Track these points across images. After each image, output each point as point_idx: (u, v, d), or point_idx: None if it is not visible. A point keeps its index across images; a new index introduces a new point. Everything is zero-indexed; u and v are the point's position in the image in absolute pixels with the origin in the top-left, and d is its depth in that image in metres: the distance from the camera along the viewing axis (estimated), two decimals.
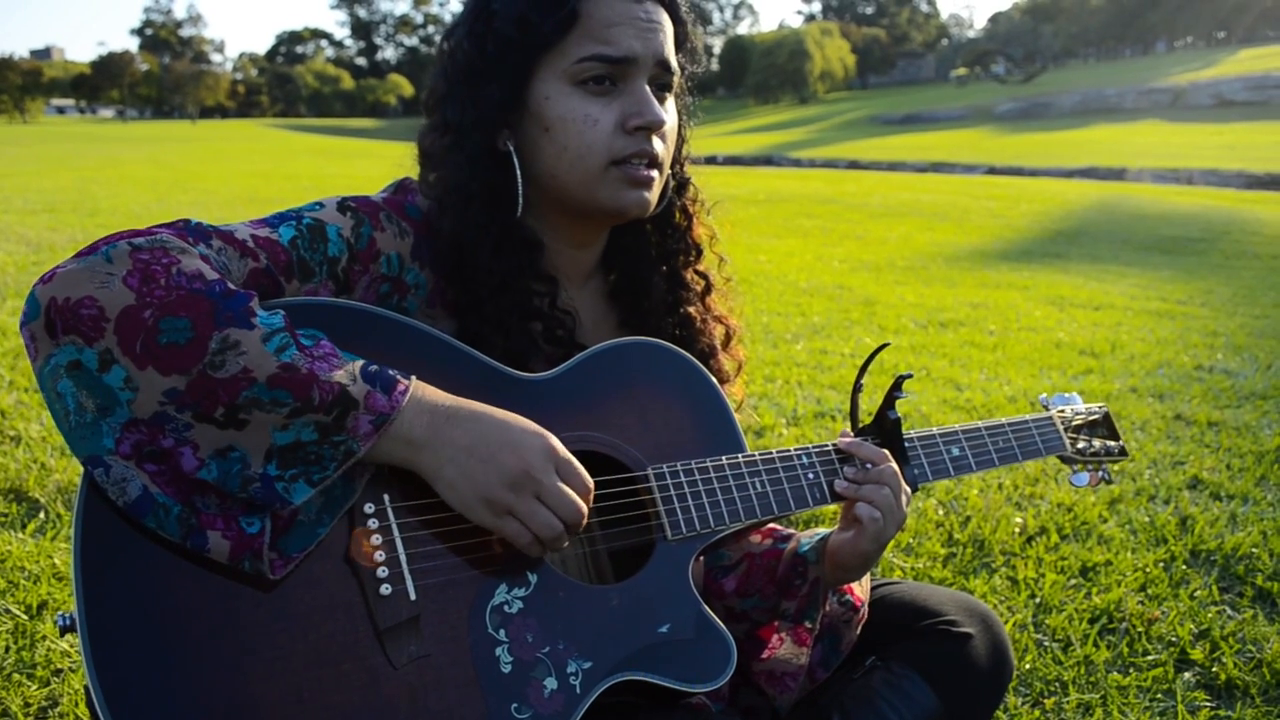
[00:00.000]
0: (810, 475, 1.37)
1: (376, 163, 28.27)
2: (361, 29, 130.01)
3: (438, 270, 1.30)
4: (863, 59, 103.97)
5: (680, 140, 1.46)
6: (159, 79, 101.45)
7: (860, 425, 1.48)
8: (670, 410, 1.32)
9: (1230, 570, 2.49)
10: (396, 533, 1.10)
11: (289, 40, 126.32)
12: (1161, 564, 2.51)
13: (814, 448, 1.40)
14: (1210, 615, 2.24)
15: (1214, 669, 2.04)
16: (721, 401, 1.38)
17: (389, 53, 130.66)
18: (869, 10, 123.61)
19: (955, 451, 1.52)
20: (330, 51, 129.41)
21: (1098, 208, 15.11)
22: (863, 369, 1.48)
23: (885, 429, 1.45)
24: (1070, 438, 1.68)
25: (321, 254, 1.20)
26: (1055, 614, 2.25)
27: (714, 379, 1.39)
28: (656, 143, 1.31)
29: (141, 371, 0.97)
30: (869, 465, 1.39)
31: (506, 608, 1.12)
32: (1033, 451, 1.61)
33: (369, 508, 1.09)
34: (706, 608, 1.23)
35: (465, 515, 1.10)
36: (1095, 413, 1.76)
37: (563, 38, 1.26)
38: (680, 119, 1.42)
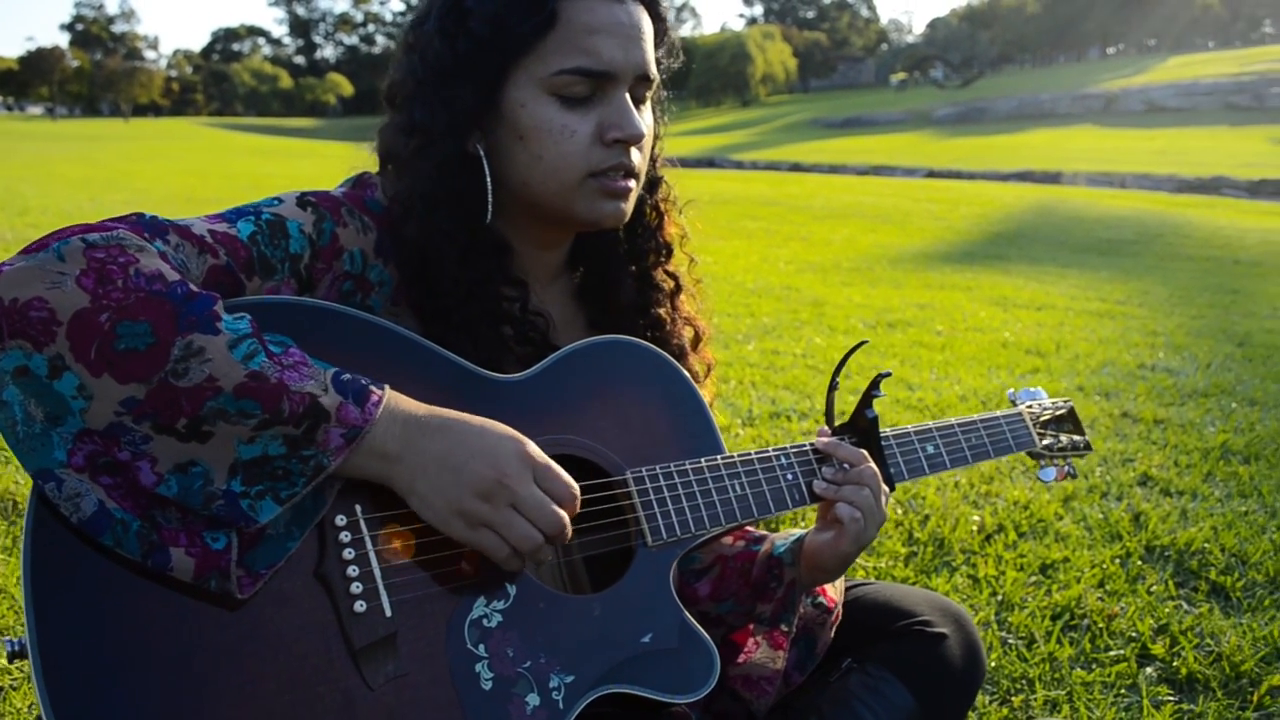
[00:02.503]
0: (789, 476, 1.35)
1: (317, 162, 27.85)
2: (300, 27, 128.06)
3: (402, 270, 1.25)
4: (804, 62, 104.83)
5: (654, 141, 1.43)
6: (90, 76, 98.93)
7: (836, 424, 1.46)
8: (648, 411, 1.29)
9: (1184, 566, 2.52)
10: (370, 546, 1.05)
11: (225, 38, 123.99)
12: (1118, 560, 2.54)
13: (792, 448, 1.38)
14: (1168, 610, 2.26)
15: (1175, 664, 2.06)
16: (699, 401, 1.35)
17: (328, 51, 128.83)
18: (810, 14, 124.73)
19: (930, 449, 1.51)
20: (268, 49, 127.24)
21: (1035, 210, 15.37)
22: (839, 367, 1.46)
23: (862, 428, 1.44)
24: (1039, 433, 1.68)
25: (283, 250, 1.14)
26: (1017, 611, 2.25)
27: (691, 378, 1.36)
28: (635, 155, 1.27)
29: (96, 379, 0.91)
30: (847, 465, 1.37)
31: (486, 621, 1.08)
32: (1004, 448, 1.60)
33: (340, 519, 1.04)
34: (688, 615, 1.20)
35: (440, 530, 1.05)
36: (1061, 407, 1.77)
37: (540, 41, 1.20)
38: (655, 118, 1.39)
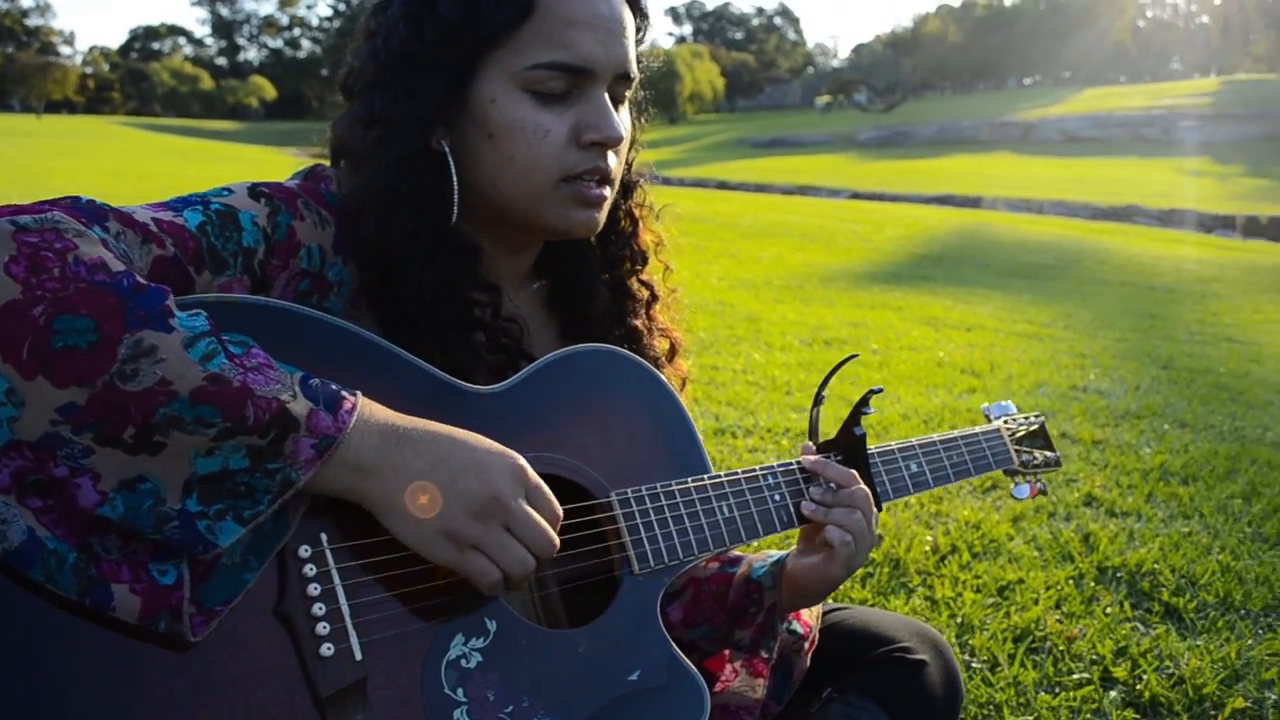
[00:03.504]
0: (777, 497, 1.27)
1: (237, 166, 27.20)
2: (223, 28, 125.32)
3: (363, 270, 1.14)
4: (731, 82, 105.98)
5: (631, 145, 1.34)
6: (1, 70, 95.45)
7: (821, 440, 1.39)
8: (632, 426, 1.20)
9: (1137, 587, 2.51)
10: (337, 579, 0.93)
11: (144, 36, 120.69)
12: (1072, 581, 2.52)
13: (779, 466, 1.30)
14: (1126, 632, 2.24)
15: (1138, 687, 2.03)
16: (684, 415, 1.26)
17: (252, 54, 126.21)
18: (738, 36, 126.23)
19: (914, 467, 1.45)
20: (189, 49, 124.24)
21: (958, 233, 15.66)
22: (825, 381, 1.39)
23: (849, 445, 1.37)
24: (1015, 450, 1.64)
25: (235, 243, 1.02)
26: (978, 634, 2.21)
27: (675, 390, 1.28)
28: (611, 159, 1.18)
29: (29, 382, 0.78)
30: (834, 485, 1.30)
31: (464, 661, 0.98)
32: (984, 465, 1.56)
33: (304, 550, 0.93)
34: (676, 648, 1.12)
35: (421, 552, 0.95)
36: (1034, 423, 1.73)
37: (515, 32, 1.10)
38: (633, 120, 1.30)
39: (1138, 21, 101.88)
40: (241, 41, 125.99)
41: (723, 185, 29.41)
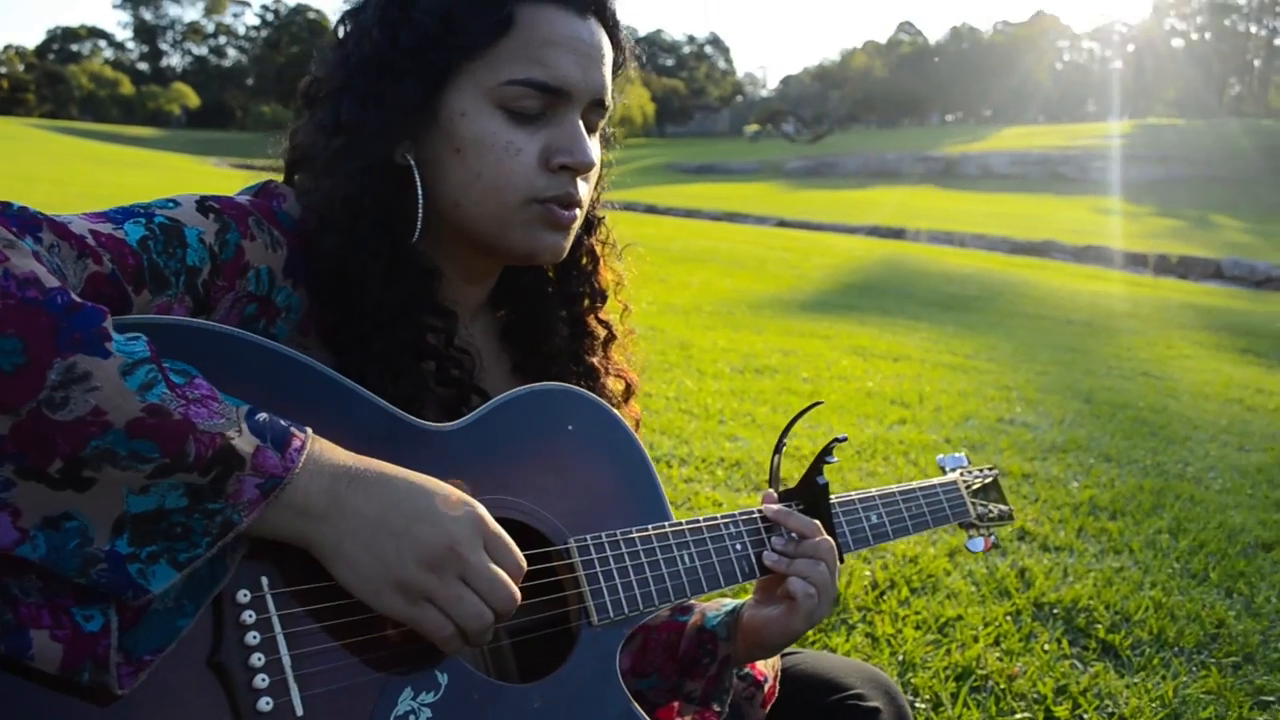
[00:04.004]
0: (738, 546, 1.22)
1: (157, 173, 26.51)
2: (146, 32, 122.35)
3: (312, 290, 1.07)
4: (662, 108, 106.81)
5: (598, 181, 1.29)
6: None
7: (783, 489, 1.34)
8: (591, 470, 1.14)
9: (1073, 623, 2.52)
10: (278, 627, 0.85)
11: (63, 37, 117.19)
12: (1010, 617, 2.52)
13: (740, 514, 1.25)
14: (1064, 669, 2.24)
15: None
16: (644, 458, 1.20)
17: (175, 60, 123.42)
18: (669, 63, 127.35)
19: (874, 518, 1.41)
20: (109, 53, 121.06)
21: (883, 264, 15.94)
22: (787, 428, 1.35)
23: (812, 495, 1.32)
24: (971, 503, 1.62)
25: (179, 261, 0.94)
26: (920, 672, 2.19)
27: (635, 434, 1.22)
28: (581, 186, 1.13)
29: None
30: (795, 535, 1.26)
31: (413, 717, 0.90)
32: (942, 518, 1.53)
33: (243, 595, 0.84)
34: (636, 705, 1.05)
35: (369, 603, 0.87)
36: (988, 476, 1.71)
37: (493, 46, 1.06)
38: (601, 156, 1.25)
39: (1055, 64, 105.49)
40: (165, 47, 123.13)
41: (652, 209, 29.52)
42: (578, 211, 1.15)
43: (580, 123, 1.12)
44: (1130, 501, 3.64)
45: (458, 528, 0.90)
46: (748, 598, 1.31)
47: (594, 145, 1.16)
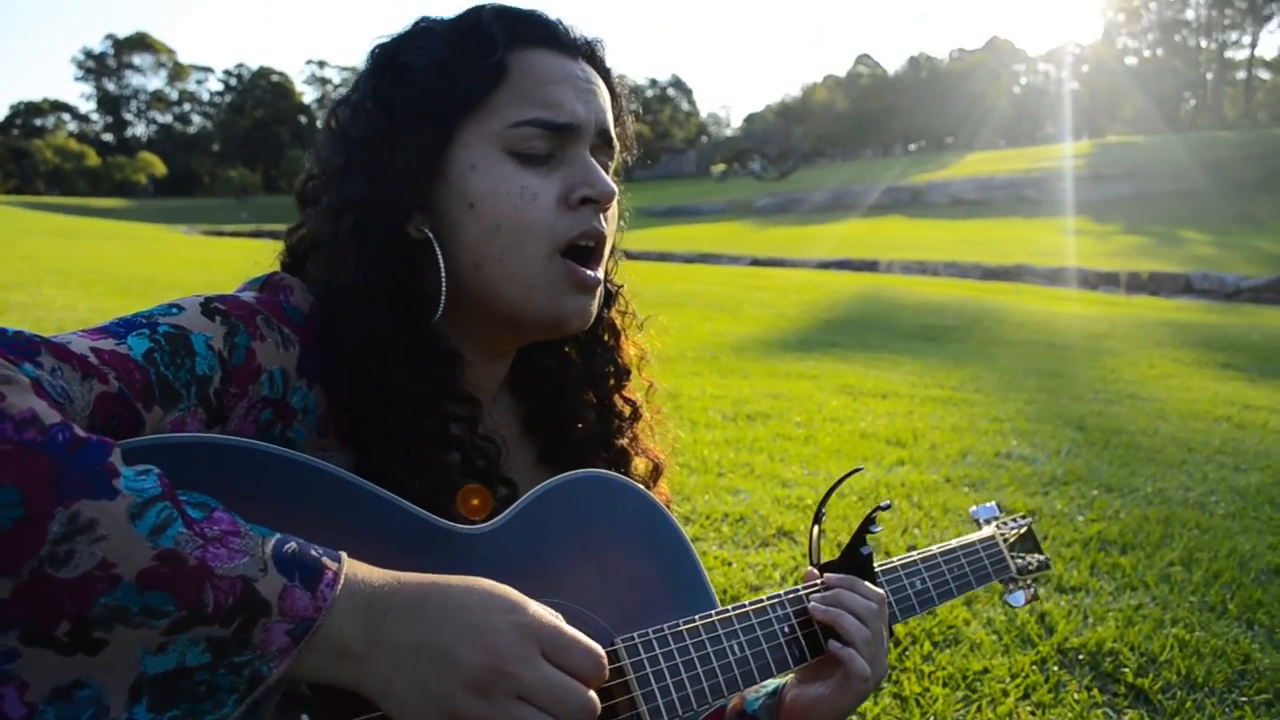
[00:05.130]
0: (786, 629, 1.18)
1: (125, 244, 26.38)
2: (109, 103, 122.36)
3: (329, 389, 1.01)
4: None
5: (611, 251, 1.26)
6: None
7: (824, 562, 1.30)
8: (632, 560, 1.10)
9: (1100, 668, 2.48)
10: None
11: (26, 112, 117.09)
12: (1036, 666, 2.48)
13: (786, 595, 1.21)
14: (1099, 719, 2.20)
15: None
16: (684, 543, 1.17)
17: (140, 129, 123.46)
18: (633, 106, 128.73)
19: (918, 584, 1.37)
20: (73, 125, 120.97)
21: (860, 297, 16.01)
22: (825, 499, 1.31)
23: (857, 567, 1.28)
24: (1010, 556, 1.59)
25: (187, 372, 0.89)
26: None
27: (675, 519, 1.18)
28: (604, 221, 1.10)
29: None
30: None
31: None
32: (984, 576, 1.49)
33: None
34: None
35: None
36: (1023, 525, 1.68)
37: (489, 95, 1.04)
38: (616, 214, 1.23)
39: (1013, 88, 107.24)
40: (129, 117, 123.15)
41: (624, 255, 29.59)
42: (600, 269, 1.12)
43: (591, 158, 1.10)
44: (1139, 533, 3.61)
45: (503, 641, 0.83)
46: (789, 676, 1.27)
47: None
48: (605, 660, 0.88)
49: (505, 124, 1.05)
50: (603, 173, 1.09)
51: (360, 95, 1.09)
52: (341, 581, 0.80)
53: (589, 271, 1.09)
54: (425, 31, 1.09)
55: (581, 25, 1.14)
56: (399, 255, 1.05)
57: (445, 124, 1.05)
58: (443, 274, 1.06)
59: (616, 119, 1.19)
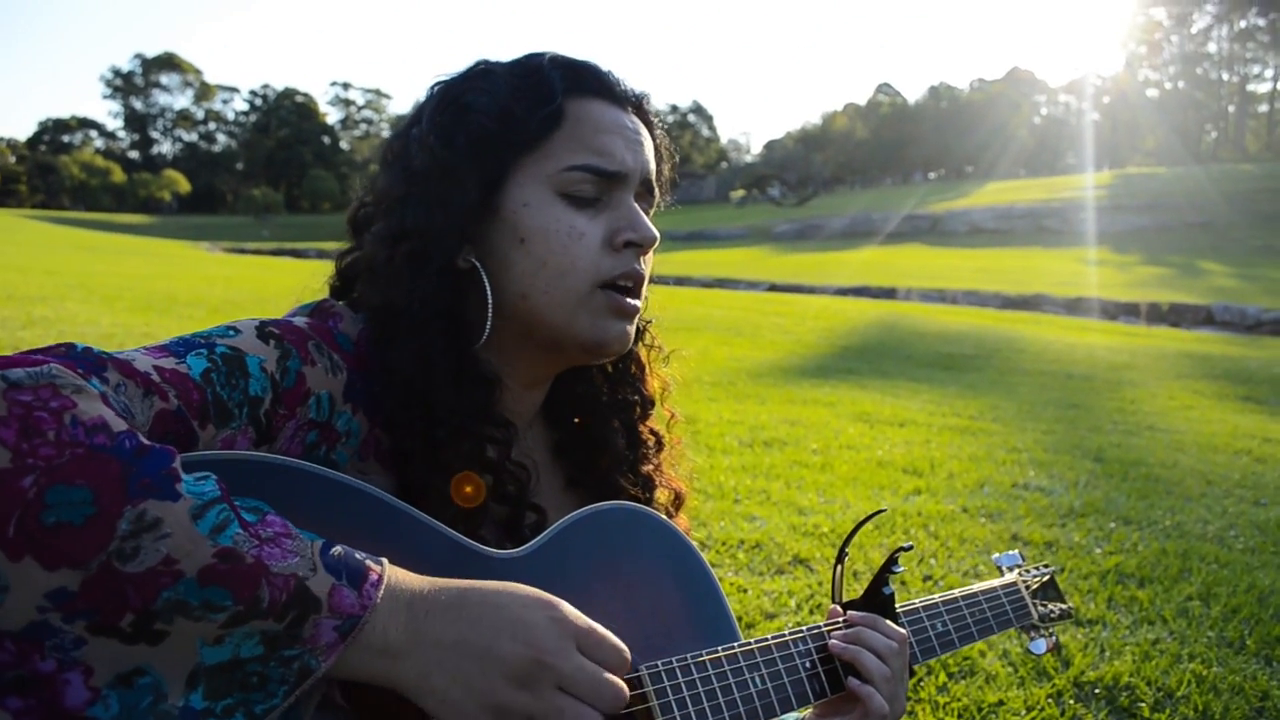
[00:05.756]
0: (808, 664, 1.19)
1: (149, 260, 26.66)
2: (136, 121, 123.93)
3: (372, 414, 1.05)
4: None
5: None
6: None
7: (846, 601, 1.31)
8: (657, 590, 1.12)
9: (1116, 703, 2.48)
10: None
11: (54, 128, 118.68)
12: (1052, 700, 2.47)
13: (808, 630, 1.23)
14: None
15: None
16: (709, 576, 1.19)
17: (166, 147, 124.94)
18: (675, 157, 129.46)
19: (940, 627, 1.38)
20: (100, 142, 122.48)
21: (878, 325, 15.98)
22: (849, 538, 1.33)
23: (879, 607, 1.29)
24: (1033, 604, 1.60)
25: (241, 392, 0.94)
26: None
27: (699, 551, 1.20)
28: (644, 264, 1.15)
29: (14, 564, 0.69)
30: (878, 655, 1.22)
31: None
32: (1005, 622, 1.50)
33: None
34: None
35: None
36: (1045, 574, 1.69)
37: (546, 139, 1.10)
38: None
39: (1033, 119, 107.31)
40: (155, 135, 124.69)
41: None
42: (639, 302, 1.17)
43: (635, 204, 1.15)
44: (1157, 567, 3.60)
45: (542, 635, 0.88)
46: (808, 711, 1.28)
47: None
48: (629, 657, 0.93)
49: (559, 167, 1.11)
50: (645, 219, 1.15)
51: (423, 129, 1.14)
52: (385, 583, 0.84)
53: (629, 300, 1.14)
54: (487, 74, 1.14)
55: (630, 79, 1.21)
56: (450, 283, 1.10)
57: (503, 162, 1.11)
58: (489, 302, 1.11)
59: (657, 168, 1.24)
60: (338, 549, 0.83)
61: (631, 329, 1.17)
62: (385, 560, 0.86)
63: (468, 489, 1.07)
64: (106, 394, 0.81)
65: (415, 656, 0.84)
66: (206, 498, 0.77)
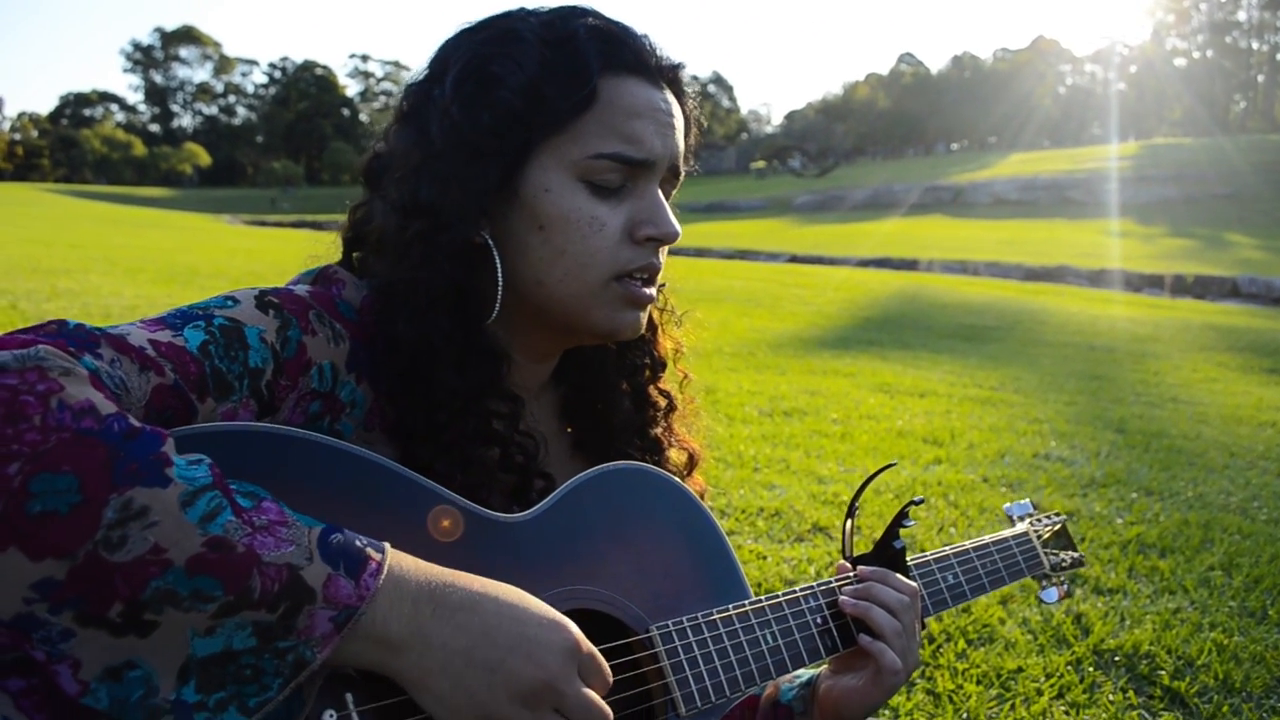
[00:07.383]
0: (819, 620, 1.19)
1: (171, 233, 26.80)
2: (156, 95, 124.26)
3: (376, 385, 1.03)
4: None
5: None
6: None
7: (856, 555, 1.31)
8: (667, 549, 1.11)
9: (1136, 670, 2.46)
10: None
11: (75, 102, 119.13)
12: (1071, 666, 2.46)
13: (818, 585, 1.22)
14: None
15: None
16: (719, 535, 1.18)
17: (186, 120, 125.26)
18: (704, 122, 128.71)
19: (951, 579, 1.37)
20: (121, 116, 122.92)
21: (899, 296, 15.87)
22: (859, 492, 1.32)
23: (890, 560, 1.29)
24: (1044, 553, 1.58)
25: (240, 364, 0.91)
26: None
27: (709, 510, 1.19)
28: (662, 256, 1.12)
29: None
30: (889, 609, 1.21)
31: None
32: (1017, 572, 1.49)
33: (329, 716, 0.81)
34: None
35: None
36: (1057, 523, 1.67)
37: (576, 119, 1.05)
38: None
39: (1058, 89, 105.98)
40: (175, 108, 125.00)
41: None
42: (654, 290, 1.14)
43: (660, 193, 1.11)
44: (1178, 537, 3.57)
45: (554, 659, 0.87)
46: (823, 667, 1.28)
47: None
48: (612, 681, 0.94)
49: (586, 154, 1.05)
50: (669, 213, 1.10)
51: (446, 95, 1.07)
52: (385, 572, 0.82)
53: (645, 290, 1.11)
54: (519, 39, 1.07)
55: (666, 48, 1.14)
56: (462, 260, 1.06)
57: (527, 143, 1.06)
58: (500, 283, 1.08)
59: (684, 145, 1.19)
60: (337, 536, 0.80)
61: (644, 316, 1.14)
62: (388, 546, 0.84)
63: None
64: (99, 372, 0.79)
65: (417, 654, 0.82)
66: (198, 484, 0.75)
